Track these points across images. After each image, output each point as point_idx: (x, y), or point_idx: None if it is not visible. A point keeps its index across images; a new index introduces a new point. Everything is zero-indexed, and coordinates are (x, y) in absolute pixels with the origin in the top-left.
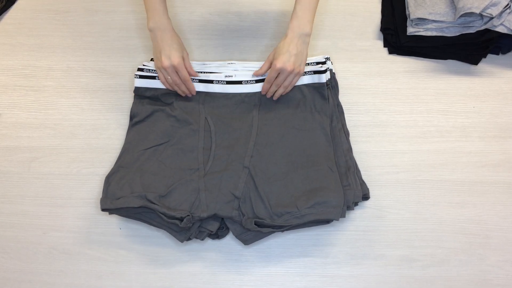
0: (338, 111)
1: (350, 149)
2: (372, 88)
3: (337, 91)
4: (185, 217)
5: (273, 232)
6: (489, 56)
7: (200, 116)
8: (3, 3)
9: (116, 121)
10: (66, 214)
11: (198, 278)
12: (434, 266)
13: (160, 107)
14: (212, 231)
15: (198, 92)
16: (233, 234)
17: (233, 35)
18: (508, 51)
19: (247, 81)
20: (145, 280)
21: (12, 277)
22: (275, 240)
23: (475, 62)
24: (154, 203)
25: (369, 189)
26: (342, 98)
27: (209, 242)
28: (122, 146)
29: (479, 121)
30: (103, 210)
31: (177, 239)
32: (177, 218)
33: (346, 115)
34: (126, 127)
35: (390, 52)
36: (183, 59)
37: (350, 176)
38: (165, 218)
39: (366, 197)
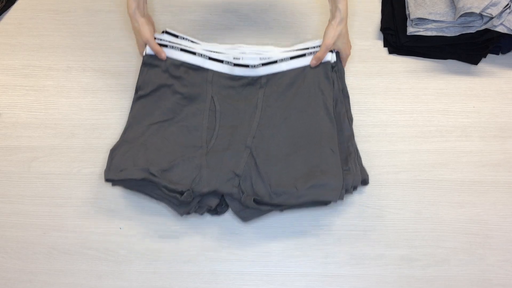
0: (343, 95)
1: (352, 135)
2: (372, 88)
3: (343, 74)
4: (185, 191)
5: (272, 210)
6: (489, 56)
7: (207, 95)
8: (3, 3)
9: (116, 121)
10: (66, 214)
11: (198, 278)
12: (434, 265)
13: (166, 81)
14: (211, 206)
15: (207, 70)
16: (232, 210)
17: (233, 35)
18: (508, 51)
19: (254, 65)
20: (145, 280)
21: (12, 277)
22: (275, 239)
23: (475, 62)
24: (156, 176)
25: (369, 189)
26: None
27: (210, 242)
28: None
29: (479, 121)
30: (106, 180)
31: (177, 212)
32: (177, 192)
33: None
34: None
35: (390, 52)
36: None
37: (351, 161)
38: (166, 191)
39: (365, 182)
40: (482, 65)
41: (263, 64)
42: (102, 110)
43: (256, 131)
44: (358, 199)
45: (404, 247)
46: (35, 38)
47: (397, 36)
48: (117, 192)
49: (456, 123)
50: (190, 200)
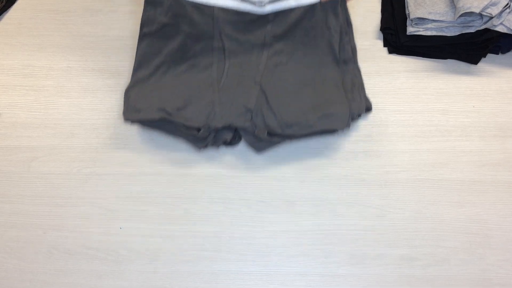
0: (347, 26)
1: (356, 67)
2: (372, 88)
3: (345, 4)
4: (201, 128)
5: (283, 141)
6: (489, 55)
7: (214, 32)
8: (3, 3)
9: (116, 121)
10: (66, 213)
11: (198, 278)
12: (434, 265)
13: (170, 20)
14: (226, 140)
15: (212, 6)
16: (246, 143)
17: None
18: (508, 50)
19: (262, 2)
20: (145, 280)
21: (12, 276)
22: (275, 239)
23: (475, 61)
24: (172, 115)
25: (369, 188)
26: None
27: (207, 239)
28: (121, 140)
29: (479, 120)
30: (126, 120)
31: (195, 146)
32: (194, 129)
33: None
34: (126, 126)
35: (390, 51)
36: None
37: (355, 91)
38: (183, 129)
39: (368, 109)
40: (482, 64)
41: (271, 1)
42: (102, 110)
43: (265, 67)
44: (358, 199)
45: (404, 247)
46: (35, 38)
47: (397, 35)
48: (117, 191)
49: (456, 123)
50: (207, 135)
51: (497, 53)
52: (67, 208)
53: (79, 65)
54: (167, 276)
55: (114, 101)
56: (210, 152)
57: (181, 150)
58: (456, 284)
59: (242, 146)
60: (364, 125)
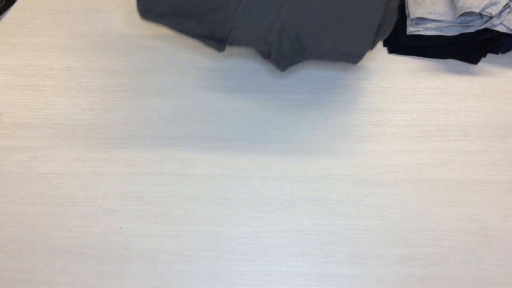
0: None
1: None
2: (371, 88)
3: None
4: (218, 42)
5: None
6: (489, 55)
7: None
8: (3, 3)
9: (116, 121)
10: (66, 213)
11: (198, 278)
12: (434, 265)
13: None
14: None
15: None
16: (261, 58)
17: None
18: (508, 50)
19: None
20: (145, 280)
21: (12, 276)
22: (274, 239)
23: (475, 61)
24: (189, 28)
25: (369, 188)
26: (342, 97)
27: (207, 239)
28: (121, 140)
29: (479, 120)
30: (141, 18)
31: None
32: (210, 41)
33: (344, 114)
34: (126, 126)
35: (390, 51)
36: None
37: (386, 16)
38: (199, 39)
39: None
40: (482, 64)
41: None
42: (102, 110)
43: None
44: (358, 199)
45: (404, 247)
46: (35, 38)
47: (397, 35)
48: (117, 191)
49: (456, 123)
50: (223, 50)
51: (497, 53)
52: (67, 208)
53: (79, 65)
54: (167, 276)
55: (114, 101)
56: (210, 152)
57: (181, 149)
58: (456, 284)
59: (242, 146)
60: (364, 125)
